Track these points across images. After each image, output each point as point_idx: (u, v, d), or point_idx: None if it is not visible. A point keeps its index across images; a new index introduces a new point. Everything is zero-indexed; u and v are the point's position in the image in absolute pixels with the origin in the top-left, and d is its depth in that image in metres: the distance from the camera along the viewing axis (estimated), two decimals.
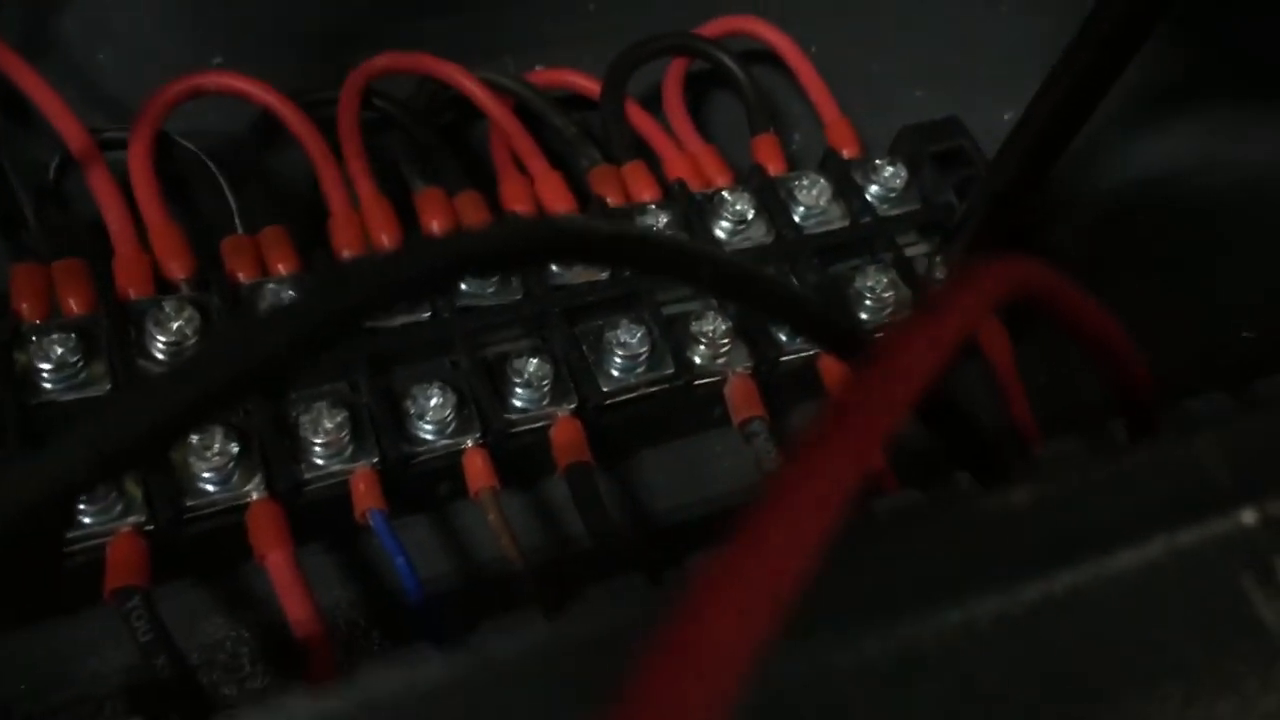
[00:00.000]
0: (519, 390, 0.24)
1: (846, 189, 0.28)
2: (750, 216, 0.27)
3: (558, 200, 0.27)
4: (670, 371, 0.24)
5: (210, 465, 0.21)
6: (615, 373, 0.24)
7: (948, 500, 0.13)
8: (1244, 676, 0.11)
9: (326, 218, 0.26)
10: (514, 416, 0.23)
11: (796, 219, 0.28)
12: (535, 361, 0.24)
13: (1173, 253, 0.31)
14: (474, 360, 0.24)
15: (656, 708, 0.08)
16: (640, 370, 0.24)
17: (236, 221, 0.26)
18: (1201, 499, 0.12)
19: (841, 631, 0.11)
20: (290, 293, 0.24)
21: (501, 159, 0.28)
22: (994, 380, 0.26)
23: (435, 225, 0.26)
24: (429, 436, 0.23)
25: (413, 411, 0.23)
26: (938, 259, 0.28)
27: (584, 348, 0.24)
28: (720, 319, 0.25)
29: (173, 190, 0.26)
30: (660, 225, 0.27)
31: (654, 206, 0.27)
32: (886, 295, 0.27)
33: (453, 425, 0.23)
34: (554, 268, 0.25)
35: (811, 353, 0.26)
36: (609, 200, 0.28)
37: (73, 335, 0.22)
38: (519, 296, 0.25)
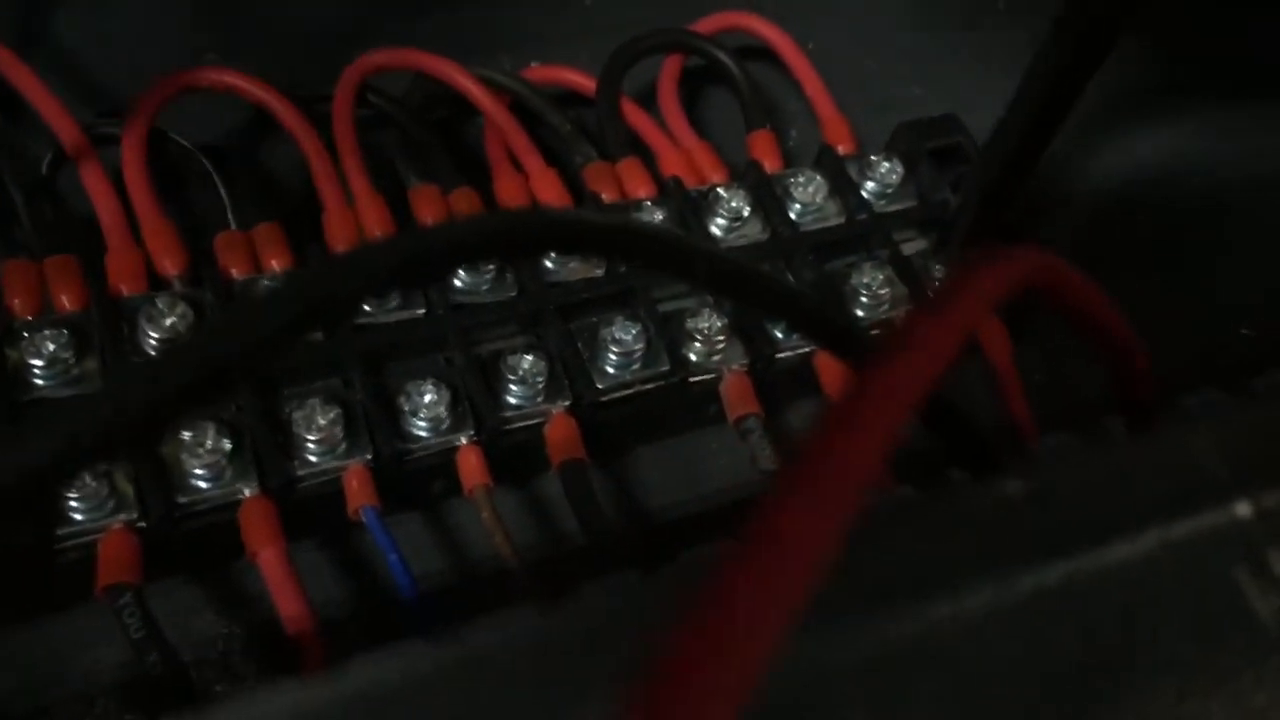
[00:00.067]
0: (513, 387, 0.23)
1: (843, 185, 0.28)
2: (746, 213, 0.27)
3: (553, 197, 0.27)
4: (665, 368, 0.24)
5: (203, 462, 0.21)
6: (610, 370, 0.24)
7: (941, 494, 0.13)
8: (1238, 670, 0.11)
9: (321, 214, 0.26)
10: (508, 414, 0.23)
11: (792, 216, 0.28)
12: (530, 358, 0.24)
13: (1170, 251, 0.31)
14: (468, 357, 0.24)
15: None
16: (635, 367, 0.24)
17: (230, 217, 0.25)
18: (1196, 492, 0.12)
19: (836, 625, 0.11)
20: None
21: (496, 156, 0.28)
22: (992, 377, 0.26)
23: (430, 221, 0.26)
24: (423, 433, 0.23)
25: (406, 408, 0.23)
26: (932, 255, 0.28)
27: (579, 345, 0.24)
28: (716, 316, 0.25)
29: (166, 186, 0.26)
30: (655, 222, 0.27)
31: (649, 203, 0.27)
32: (882, 292, 0.26)
33: (447, 422, 0.23)
34: (549, 264, 0.25)
35: (807, 350, 0.26)
36: (604, 197, 0.27)
37: (65, 331, 0.22)
38: (514, 293, 0.25)
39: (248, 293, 0.24)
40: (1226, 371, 0.21)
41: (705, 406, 0.25)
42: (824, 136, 0.30)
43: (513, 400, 0.23)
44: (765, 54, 0.32)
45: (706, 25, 0.31)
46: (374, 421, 0.22)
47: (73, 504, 0.20)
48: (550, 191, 0.27)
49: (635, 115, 0.30)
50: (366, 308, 0.24)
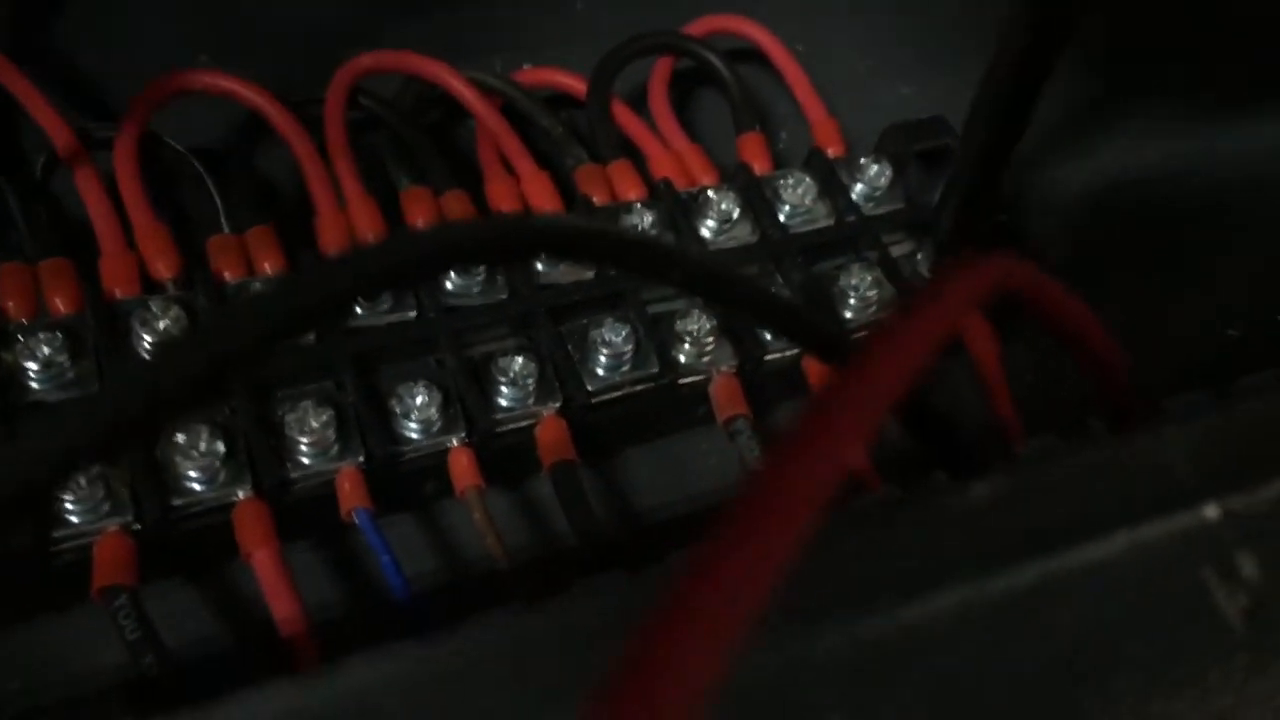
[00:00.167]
0: (504, 389, 0.24)
1: (832, 187, 0.28)
2: (735, 215, 0.27)
3: (544, 200, 0.27)
4: (655, 370, 0.25)
5: (197, 464, 0.21)
6: (600, 371, 0.24)
7: (914, 496, 0.13)
8: (1205, 669, 0.11)
9: (313, 217, 0.26)
10: (499, 415, 0.24)
11: (782, 218, 0.28)
12: (520, 360, 0.24)
13: (1159, 251, 0.31)
14: (459, 359, 0.24)
15: (632, 700, 0.08)
16: (625, 369, 0.25)
17: (223, 221, 0.26)
18: (1165, 494, 0.12)
19: (811, 626, 0.11)
20: None
21: (488, 158, 0.28)
22: (979, 379, 0.26)
23: (421, 224, 0.26)
24: (414, 435, 0.23)
25: (398, 410, 0.23)
26: (920, 257, 0.28)
27: (569, 346, 0.25)
28: (705, 318, 0.25)
29: (159, 189, 0.26)
30: (646, 224, 0.27)
31: (640, 205, 0.27)
32: (871, 294, 0.27)
33: (438, 424, 0.23)
34: (539, 266, 0.25)
35: (795, 352, 0.26)
36: (595, 199, 0.28)
37: (60, 334, 0.22)
38: (504, 296, 0.25)
39: (240, 294, 0.24)
40: (1212, 371, 0.21)
41: (694, 408, 0.25)
42: (813, 139, 0.30)
43: (504, 402, 0.24)
44: (755, 56, 0.32)
45: (697, 28, 0.32)
46: (366, 424, 0.23)
47: (68, 506, 0.21)
48: (542, 194, 0.27)
49: (626, 117, 0.30)
50: (358, 310, 0.24)
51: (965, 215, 0.24)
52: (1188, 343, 0.29)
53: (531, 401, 0.24)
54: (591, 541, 0.22)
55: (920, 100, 0.32)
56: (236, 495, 0.22)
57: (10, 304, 0.23)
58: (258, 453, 0.22)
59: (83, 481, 0.21)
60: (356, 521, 0.22)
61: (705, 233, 0.27)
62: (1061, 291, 0.14)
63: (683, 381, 0.25)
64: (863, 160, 0.29)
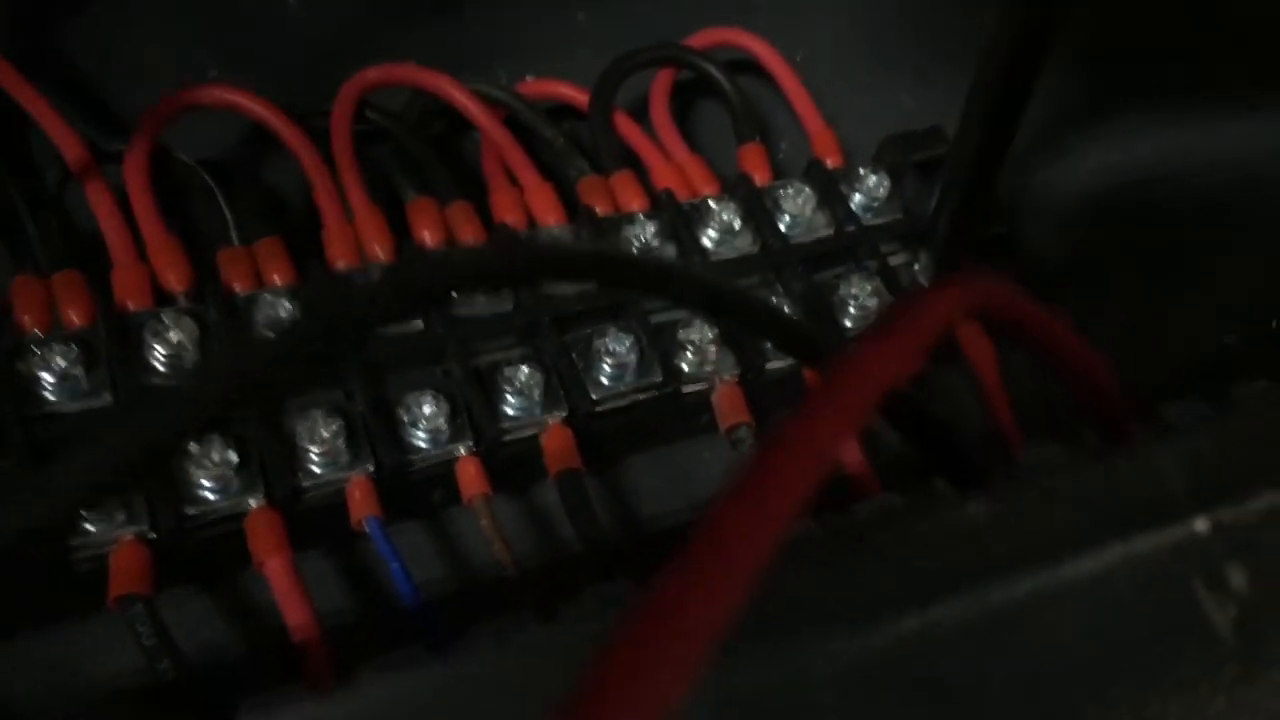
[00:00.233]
0: (510, 398, 0.24)
1: (831, 198, 0.29)
2: (736, 225, 0.28)
3: (548, 211, 0.28)
4: (658, 379, 0.25)
5: (210, 474, 0.22)
6: (605, 381, 0.25)
7: (914, 506, 0.14)
8: (1196, 678, 0.12)
9: (321, 229, 0.26)
10: (506, 424, 0.24)
11: (782, 228, 0.28)
12: (526, 370, 0.24)
13: (1155, 254, 0.31)
14: (466, 369, 0.24)
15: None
16: (629, 378, 0.25)
17: (232, 233, 0.26)
18: (1156, 508, 0.13)
19: (814, 636, 0.11)
20: (286, 303, 0.24)
21: (492, 170, 0.29)
22: (978, 386, 0.27)
23: (427, 235, 0.27)
24: (423, 444, 0.23)
25: (407, 420, 0.23)
26: (918, 267, 0.28)
27: (574, 356, 0.25)
28: (707, 327, 0.26)
29: (169, 202, 0.26)
30: (648, 235, 0.27)
31: (642, 216, 0.28)
32: (870, 303, 0.27)
33: (446, 433, 0.23)
34: None
35: (796, 361, 0.26)
36: (597, 210, 0.28)
37: (74, 346, 0.23)
38: (509, 307, 0.25)
39: (250, 310, 0.25)
40: (1211, 377, 0.21)
41: (697, 416, 0.26)
42: (812, 149, 0.31)
43: (510, 411, 0.24)
44: (755, 68, 0.33)
45: (698, 40, 0.32)
46: (375, 433, 0.23)
47: (85, 516, 0.21)
48: (545, 205, 0.28)
49: (628, 128, 0.30)
50: None
51: (961, 222, 0.25)
52: (1184, 346, 0.29)
53: (537, 411, 0.24)
54: (597, 548, 0.23)
55: (917, 111, 0.33)
56: (249, 504, 0.22)
57: (25, 317, 0.23)
58: (269, 462, 0.22)
59: None
60: (367, 530, 0.22)
61: (707, 243, 0.28)
62: (1040, 310, 0.14)
63: (686, 390, 0.25)
64: (861, 171, 0.29)
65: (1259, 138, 0.33)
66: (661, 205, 0.28)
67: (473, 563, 0.24)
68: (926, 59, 0.35)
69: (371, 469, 0.23)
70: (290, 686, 0.19)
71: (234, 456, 0.22)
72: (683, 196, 0.29)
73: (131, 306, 0.24)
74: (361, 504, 0.22)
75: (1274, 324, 0.30)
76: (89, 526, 0.21)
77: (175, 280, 0.25)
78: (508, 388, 0.24)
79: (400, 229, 0.27)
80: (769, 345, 0.26)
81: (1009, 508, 0.13)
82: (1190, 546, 0.12)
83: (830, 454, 0.11)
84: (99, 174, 0.26)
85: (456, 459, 0.23)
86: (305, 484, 0.23)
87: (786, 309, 0.27)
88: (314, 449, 0.23)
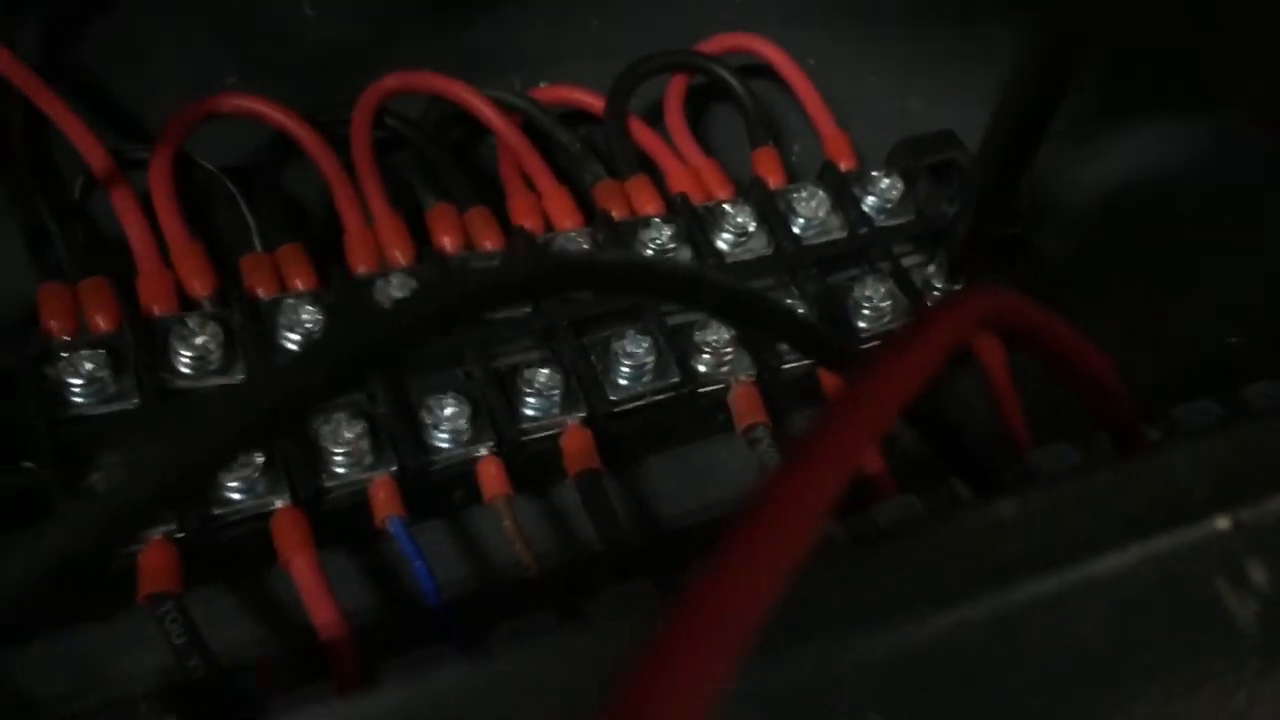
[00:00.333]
0: (530, 400, 0.24)
1: (844, 200, 0.29)
2: (751, 228, 0.28)
3: (565, 216, 0.28)
4: (676, 380, 0.25)
5: (236, 475, 0.22)
6: (623, 382, 0.25)
7: (939, 510, 0.14)
8: (1219, 672, 0.12)
9: (341, 234, 0.27)
10: (526, 425, 0.24)
11: (796, 230, 0.28)
12: (546, 372, 0.25)
13: (1159, 257, 0.32)
14: (487, 371, 0.25)
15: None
16: (647, 379, 0.25)
17: (255, 239, 0.26)
18: (1178, 507, 0.13)
19: (844, 634, 0.12)
20: (309, 308, 0.25)
21: (509, 175, 0.29)
22: (989, 389, 0.27)
23: (446, 241, 0.27)
24: (445, 445, 0.24)
25: (429, 421, 0.24)
26: (931, 269, 0.29)
27: (592, 358, 0.25)
28: (724, 329, 0.26)
29: (192, 209, 0.26)
30: (664, 238, 0.28)
31: (658, 220, 0.28)
32: (884, 305, 0.27)
33: (467, 434, 0.24)
34: None
35: (811, 361, 0.26)
36: (614, 214, 0.28)
37: (101, 351, 0.23)
38: (529, 310, 0.26)
39: (273, 315, 0.25)
40: (1216, 378, 0.22)
41: (714, 416, 0.26)
42: (825, 152, 0.31)
43: (530, 412, 0.24)
44: (768, 73, 0.33)
45: (710, 46, 0.32)
46: (398, 435, 0.23)
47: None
48: (562, 209, 0.28)
49: (642, 133, 0.31)
50: None
51: (980, 226, 0.25)
52: (1188, 349, 0.30)
53: (557, 412, 0.24)
54: (616, 548, 0.23)
55: (928, 114, 0.33)
56: (274, 504, 0.22)
57: (53, 322, 0.24)
58: (294, 463, 0.23)
59: None
60: (390, 529, 0.22)
61: (722, 245, 0.28)
62: (1049, 318, 0.15)
63: (702, 391, 0.26)
64: (874, 174, 0.30)
65: (1263, 142, 0.33)
66: (677, 209, 0.29)
67: (493, 562, 0.24)
68: (936, 64, 0.35)
69: (394, 469, 0.23)
70: (316, 685, 0.19)
71: (259, 457, 0.22)
72: (697, 200, 0.29)
73: (157, 311, 0.25)
74: (385, 504, 0.23)
75: None
76: None
77: (200, 286, 0.25)
78: (527, 389, 0.24)
79: (420, 234, 0.27)
80: (784, 346, 0.26)
81: (1031, 508, 0.13)
82: (1212, 544, 0.13)
83: (859, 454, 0.11)
84: (124, 182, 0.26)
85: (478, 459, 0.24)
86: (329, 484, 0.23)
87: (801, 311, 0.27)
88: (338, 450, 0.23)
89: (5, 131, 0.26)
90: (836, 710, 0.11)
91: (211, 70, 0.30)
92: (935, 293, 0.28)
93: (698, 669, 0.09)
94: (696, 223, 0.28)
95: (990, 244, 0.28)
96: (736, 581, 0.10)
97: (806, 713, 0.11)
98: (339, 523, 0.23)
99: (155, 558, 0.21)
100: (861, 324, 0.28)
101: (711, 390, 0.26)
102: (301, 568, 0.22)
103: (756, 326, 0.23)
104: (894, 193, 0.29)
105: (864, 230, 0.29)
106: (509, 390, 0.25)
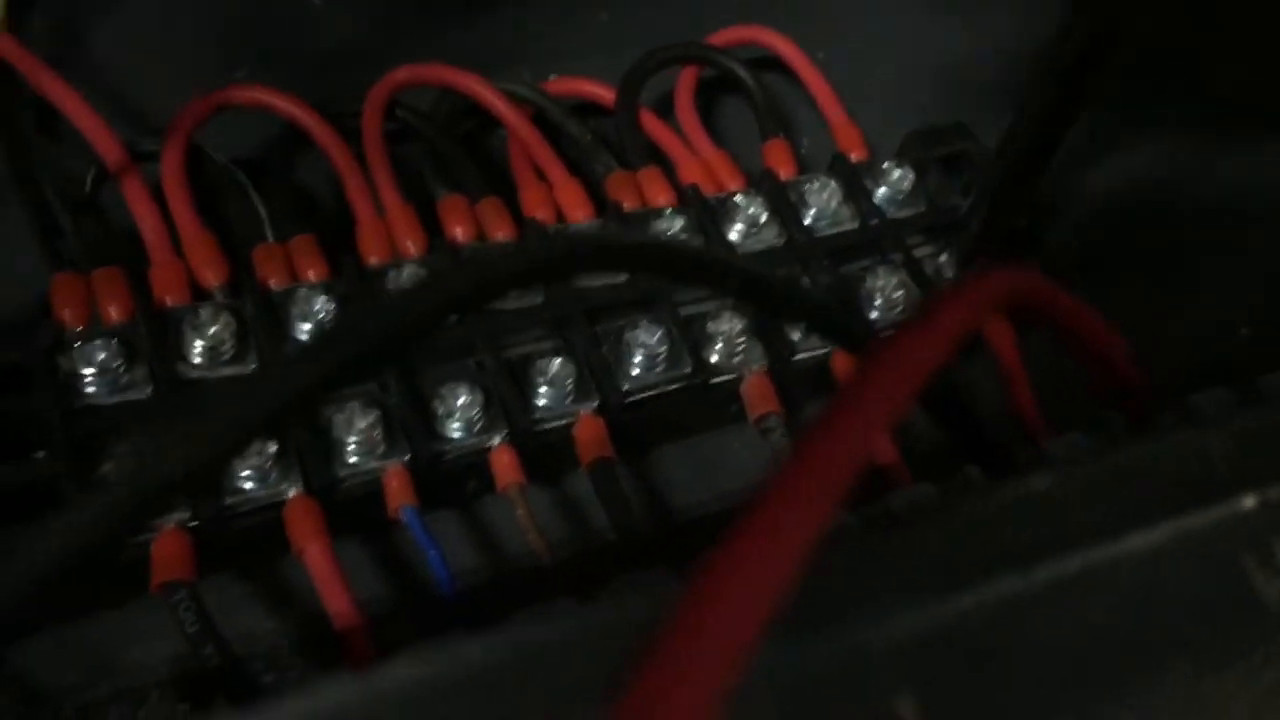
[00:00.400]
0: (543, 389, 0.24)
1: (855, 192, 0.29)
2: (763, 219, 0.28)
3: (576, 207, 0.28)
4: (688, 370, 0.25)
5: (249, 464, 0.22)
6: (635, 372, 0.25)
7: (965, 491, 0.14)
8: (1247, 650, 0.12)
9: (353, 225, 0.27)
10: (538, 415, 0.24)
11: (807, 221, 0.28)
12: (558, 361, 0.25)
13: (1171, 251, 0.32)
14: (499, 361, 0.25)
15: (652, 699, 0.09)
16: (659, 369, 0.25)
17: (267, 230, 0.26)
18: (1204, 486, 0.13)
19: (872, 611, 0.12)
20: (322, 297, 0.25)
21: (520, 167, 0.29)
22: (1000, 373, 0.27)
23: (459, 231, 0.27)
24: (458, 435, 0.24)
25: (441, 411, 0.24)
26: (943, 259, 0.29)
27: (605, 348, 0.25)
28: (736, 319, 0.26)
29: (204, 201, 0.26)
30: (675, 229, 0.28)
31: (669, 211, 0.28)
32: (896, 295, 0.27)
33: (480, 423, 0.24)
34: None
35: (824, 351, 0.26)
36: (625, 205, 0.28)
37: (114, 341, 0.23)
38: (540, 299, 0.26)
39: (286, 305, 0.25)
40: (1224, 370, 0.22)
41: (727, 406, 0.26)
42: (836, 144, 0.31)
43: (542, 402, 0.24)
44: (778, 65, 0.33)
45: (720, 38, 0.32)
46: (411, 424, 0.23)
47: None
48: (574, 201, 0.28)
49: (653, 125, 0.31)
50: None
51: (994, 219, 0.25)
52: (1198, 343, 0.30)
53: (569, 401, 0.24)
54: (629, 536, 0.23)
55: (939, 105, 0.33)
56: (287, 493, 0.22)
57: (66, 312, 0.24)
58: (307, 453, 0.23)
59: None
60: (404, 519, 0.22)
61: (734, 236, 0.28)
62: (1071, 299, 0.15)
63: (715, 381, 0.26)
64: (885, 164, 0.30)
65: (1270, 138, 0.33)
66: (688, 200, 0.28)
67: (506, 551, 0.24)
68: (946, 56, 0.35)
69: (407, 459, 0.23)
70: (332, 668, 0.19)
71: (272, 446, 0.22)
72: (708, 191, 0.29)
73: (169, 302, 0.25)
74: (398, 493, 0.23)
75: None
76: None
77: (212, 276, 0.25)
78: (540, 379, 0.24)
79: (432, 226, 0.27)
80: (796, 336, 0.26)
81: (1055, 488, 0.13)
82: (1238, 523, 0.13)
83: (875, 436, 0.11)
84: (136, 173, 0.26)
85: (491, 449, 0.24)
86: (342, 473, 0.23)
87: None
88: (351, 439, 0.23)
89: (17, 124, 0.26)
90: (869, 688, 0.11)
91: (222, 63, 0.30)
92: (947, 283, 0.28)
93: (714, 649, 0.09)
94: (708, 214, 0.28)
95: (1002, 236, 0.28)
96: (752, 560, 0.10)
97: (839, 691, 0.11)
98: (352, 512, 0.23)
99: (168, 546, 0.21)
100: (874, 314, 0.27)
101: (724, 380, 0.26)
102: (315, 556, 0.21)
103: (783, 313, 0.23)
104: (905, 184, 0.29)
105: (875, 222, 0.29)
106: (521, 380, 0.25)
